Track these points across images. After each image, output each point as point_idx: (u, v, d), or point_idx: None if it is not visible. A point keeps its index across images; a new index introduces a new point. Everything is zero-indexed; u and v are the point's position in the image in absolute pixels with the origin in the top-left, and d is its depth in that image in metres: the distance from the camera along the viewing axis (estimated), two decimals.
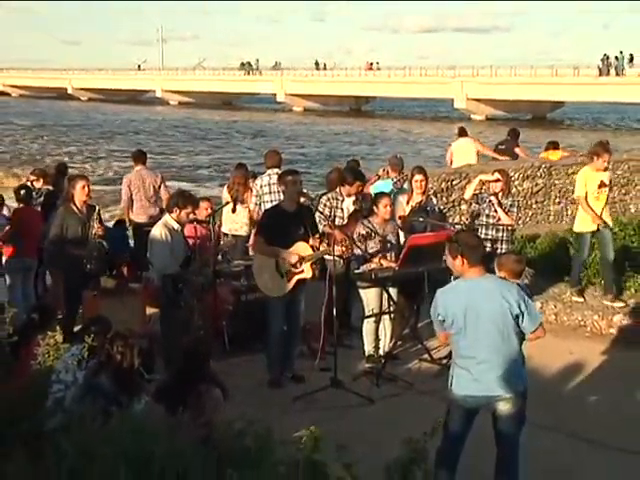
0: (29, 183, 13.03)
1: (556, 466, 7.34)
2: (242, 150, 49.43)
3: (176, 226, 9.81)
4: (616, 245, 15.50)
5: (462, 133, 18.27)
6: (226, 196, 12.67)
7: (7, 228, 11.33)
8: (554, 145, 20.35)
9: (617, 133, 57.93)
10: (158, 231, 9.76)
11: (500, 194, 11.28)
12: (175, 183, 31.56)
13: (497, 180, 11.38)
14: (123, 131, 66.88)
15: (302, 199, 9.86)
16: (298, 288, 9.63)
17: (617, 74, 67.24)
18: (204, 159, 47.21)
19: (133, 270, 11.93)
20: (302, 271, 9.51)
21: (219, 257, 11.28)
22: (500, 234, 11.13)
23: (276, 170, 12.23)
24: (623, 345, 10.73)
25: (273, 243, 9.47)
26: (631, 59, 70.05)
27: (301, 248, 9.49)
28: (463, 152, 17.35)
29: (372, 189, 12.83)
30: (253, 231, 11.49)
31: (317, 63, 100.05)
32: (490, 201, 11.26)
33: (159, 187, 13.84)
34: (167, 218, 9.86)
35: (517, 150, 18.81)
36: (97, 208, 11.23)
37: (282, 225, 9.52)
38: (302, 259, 9.47)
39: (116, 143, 57.41)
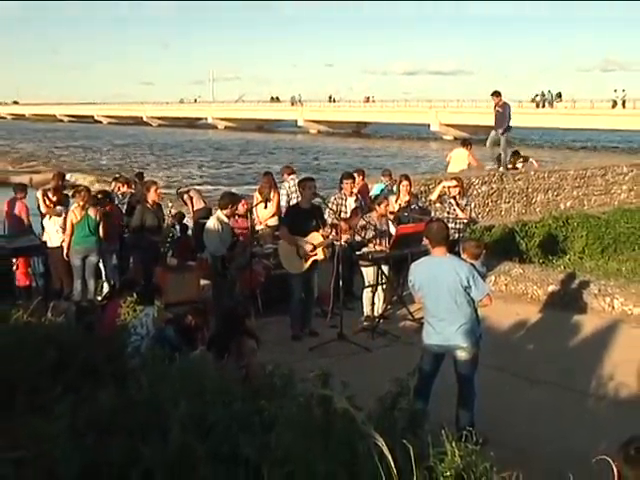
0: (116, 188, 13.11)
1: (503, 398, 7.34)
2: (280, 160, 49.48)
3: (226, 220, 9.87)
4: (550, 233, 15.55)
5: (464, 144, 18.07)
6: (257, 196, 12.71)
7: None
8: (517, 153, 20.32)
9: (551, 150, 57.72)
10: (212, 223, 9.84)
11: (457, 196, 11.39)
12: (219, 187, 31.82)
13: (455, 186, 11.51)
14: (203, 147, 67.15)
15: (317, 199, 9.97)
16: (313, 267, 9.67)
17: (551, 106, 67.05)
18: (253, 167, 47.27)
19: (191, 252, 11.93)
20: (316, 254, 9.56)
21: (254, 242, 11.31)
22: (457, 226, 11.24)
23: (293, 176, 12.89)
24: (554, 308, 10.71)
25: (294, 232, 9.55)
26: (559, 95, 69.80)
27: (315, 237, 9.54)
28: (458, 158, 17.33)
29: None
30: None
31: (330, 97, 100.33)
32: (450, 203, 11.38)
33: None
34: (219, 213, 9.93)
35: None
36: (169, 206, 11.40)
37: (300, 219, 9.64)
38: (315, 246, 9.53)
39: (203, 155, 58.51)
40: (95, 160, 54.41)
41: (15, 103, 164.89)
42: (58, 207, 11.29)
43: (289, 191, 12.57)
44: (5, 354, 5.41)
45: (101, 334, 6.78)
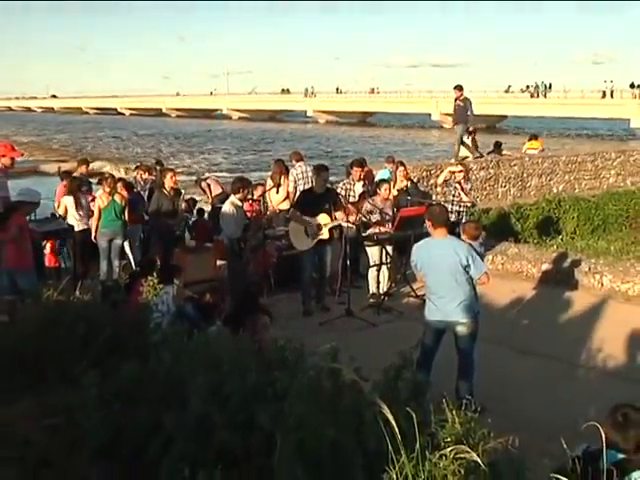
0: (138, 176, 13.12)
1: (500, 369, 7.35)
2: (296, 148, 48.97)
3: (239, 203, 9.85)
4: (544, 215, 15.54)
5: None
6: (269, 181, 12.70)
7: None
8: (535, 137, 20.32)
9: (545, 138, 57.27)
10: (227, 207, 9.83)
11: (462, 180, 11.36)
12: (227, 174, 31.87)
13: (460, 171, 11.49)
14: (224, 136, 67.02)
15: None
16: (323, 246, 9.72)
17: (544, 96, 66.67)
18: (274, 154, 46.69)
19: (208, 234, 11.96)
20: (322, 234, 9.61)
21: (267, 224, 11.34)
22: (461, 209, 11.26)
23: (300, 163, 12.66)
24: (547, 285, 10.70)
25: (304, 213, 9.58)
26: (549, 86, 69.23)
27: (322, 218, 9.57)
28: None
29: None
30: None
31: (337, 89, 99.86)
32: (455, 187, 11.35)
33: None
34: (233, 198, 9.90)
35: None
36: (182, 192, 11.42)
37: (312, 202, 9.67)
38: (322, 226, 9.58)
39: (225, 143, 58.63)
40: (127, 149, 54.44)
41: (53, 97, 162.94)
42: (65, 199, 11.16)
43: (296, 177, 12.47)
44: (38, 330, 5.45)
45: (129, 311, 6.81)
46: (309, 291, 9.87)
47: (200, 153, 50.27)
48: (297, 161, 12.76)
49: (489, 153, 18.69)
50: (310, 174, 12.07)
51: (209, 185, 13.87)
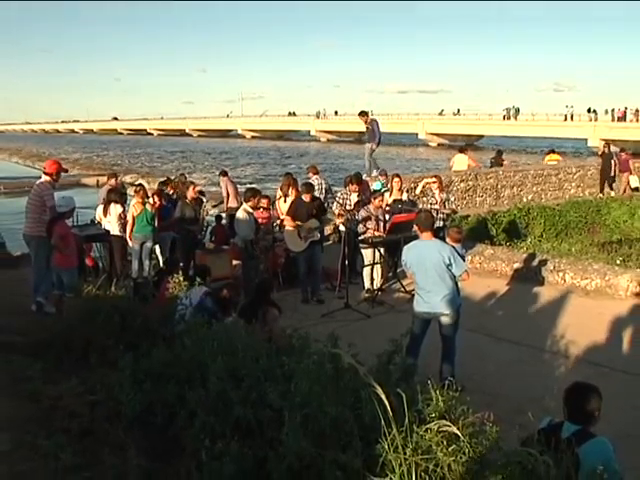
0: (170, 189, 13.06)
1: (477, 354, 7.35)
2: (311, 162, 48.92)
3: (250, 210, 9.88)
4: (515, 221, 15.55)
5: (461, 150, 18.22)
6: (279, 192, 12.70)
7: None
8: (552, 151, 20.50)
9: (517, 154, 57.16)
10: (241, 213, 9.88)
11: (437, 191, 11.26)
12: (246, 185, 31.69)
13: (434, 182, 11.44)
14: (247, 151, 67.18)
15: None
16: (314, 246, 9.92)
17: (515, 119, 66.60)
18: (292, 168, 46.49)
19: (225, 238, 11.96)
20: (313, 236, 9.82)
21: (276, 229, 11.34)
22: (439, 215, 11.05)
23: (316, 175, 12.74)
24: (518, 281, 10.69)
25: (296, 219, 9.85)
26: (518, 110, 68.83)
27: (312, 222, 9.85)
28: (459, 162, 17.38)
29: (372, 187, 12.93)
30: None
31: (336, 112, 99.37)
32: (431, 198, 11.28)
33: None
34: (245, 205, 9.95)
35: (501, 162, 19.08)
36: (204, 202, 11.49)
37: (301, 209, 9.92)
38: (312, 229, 9.81)
39: (247, 159, 58.65)
40: (171, 164, 54.16)
41: (115, 119, 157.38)
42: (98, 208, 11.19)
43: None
44: (80, 320, 5.47)
45: (159, 304, 6.83)
46: (305, 284, 10.01)
47: (235, 166, 50.21)
48: (314, 174, 12.77)
49: (492, 159, 19.16)
50: (324, 185, 12.43)
51: (227, 185, 14.02)
